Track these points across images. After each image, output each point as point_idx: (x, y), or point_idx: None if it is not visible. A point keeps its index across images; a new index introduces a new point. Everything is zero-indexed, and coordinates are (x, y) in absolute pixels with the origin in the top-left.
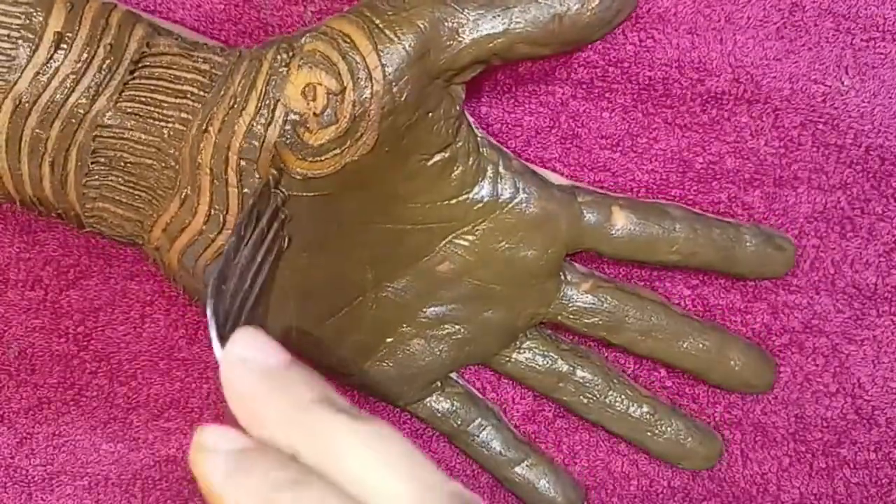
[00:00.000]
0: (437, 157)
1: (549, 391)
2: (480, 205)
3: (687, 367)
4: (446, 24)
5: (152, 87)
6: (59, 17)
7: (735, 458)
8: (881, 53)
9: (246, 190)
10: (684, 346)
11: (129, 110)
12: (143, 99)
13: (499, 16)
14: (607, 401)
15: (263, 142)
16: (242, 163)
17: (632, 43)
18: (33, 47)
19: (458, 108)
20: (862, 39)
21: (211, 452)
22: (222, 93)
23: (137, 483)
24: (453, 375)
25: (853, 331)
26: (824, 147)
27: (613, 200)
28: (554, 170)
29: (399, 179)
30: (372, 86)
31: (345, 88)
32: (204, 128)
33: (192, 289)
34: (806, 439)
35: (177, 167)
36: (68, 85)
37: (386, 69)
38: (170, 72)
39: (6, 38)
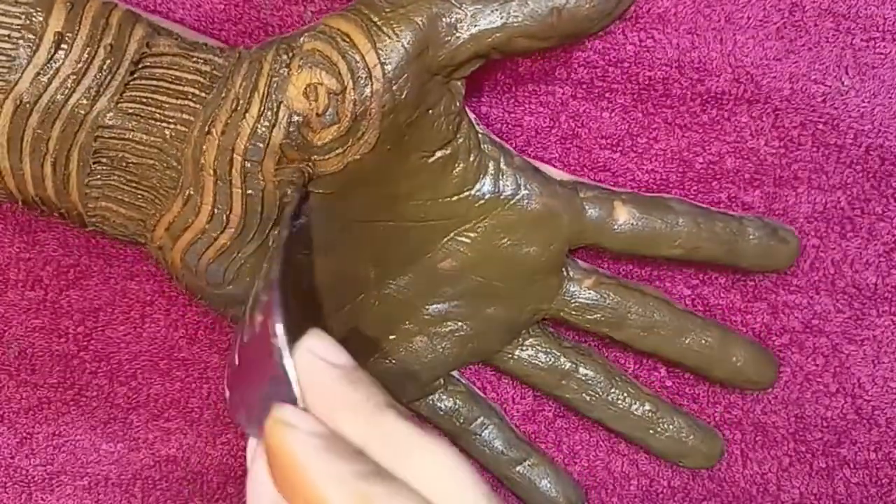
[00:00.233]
0: (439, 154)
1: (551, 389)
2: (482, 201)
3: (689, 364)
4: (444, 19)
5: (153, 88)
6: (60, 17)
7: (735, 458)
8: (881, 53)
9: (250, 191)
10: (686, 342)
11: (130, 111)
12: (144, 100)
13: (497, 10)
14: (609, 398)
15: (268, 143)
16: (247, 164)
17: (632, 43)
18: (34, 47)
19: (458, 104)
20: (862, 39)
21: (296, 429)
22: (223, 94)
23: (137, 483)
24: (455, 374)
25: (853, 331)
26: (824, 147)
27: (616, 195)
28: (555, 169)
29: (401, 177)
30: (372, 84)
31: (345, 88)
32: (207, 129)
33: (195, 287)
34: (806, 439)
35: (179, 167)
36: (69, 85)
37: (385, 67)
38: (170, 72)
39: (6, 39)
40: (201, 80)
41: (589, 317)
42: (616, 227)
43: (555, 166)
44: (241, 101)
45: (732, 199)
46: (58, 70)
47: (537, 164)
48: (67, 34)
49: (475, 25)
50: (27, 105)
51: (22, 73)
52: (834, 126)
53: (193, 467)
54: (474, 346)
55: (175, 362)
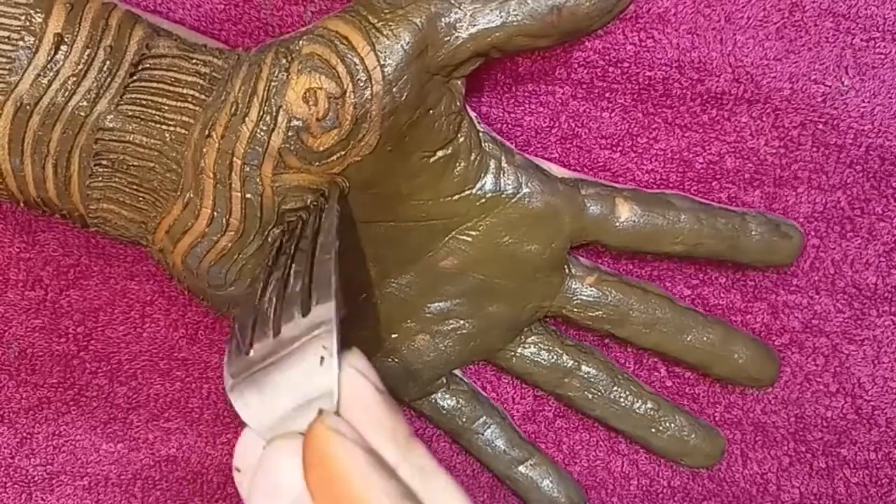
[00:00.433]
0: (440, 154)
1: (553, 387)
2: (483, 200)
3: (691, 361)
4: (443, 19)
5: (152, 90)
6: (59, 18)
7: (735, 458)
8: (881, 53)
9: (249, 195)
10: (688, 339)
11: (129, 113)
12: (144, 102)
13: (496, 9)
14: (611, 396)
15: (267, 148)
16: (246, 168)
17: (632, 43)
18: (33, 49)
19: (458, 103)
20: (862, 39)
21: (345, 439)
22: (223, 98)
23: (137, 483)
24: (458, 373)
25: (853, 331)
26: (824, 147)
27: (618, 192)
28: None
29: (402, 178)
30: (372, 87)
31: (345, 91)
32: (207, 133)
33: (197, 288)
34: (806, 439)
35: (179, 170)
36: (69, 87)
37: (385, 69)
38: (169, 74)
39: (6, 40)
40: (201, 82)
41: (590, 314)
42: (618, 223)
43: None
44: (240, 105)
45: (732, 199)
46: (58, 72)
47: (539, 161)
48: (67, 35)
49: (474, 25)
50: (28, 107)
51: (22, 75)
52: (834, 126)
53: (193, 467)
54: (476, 344)
55: (175, 362)
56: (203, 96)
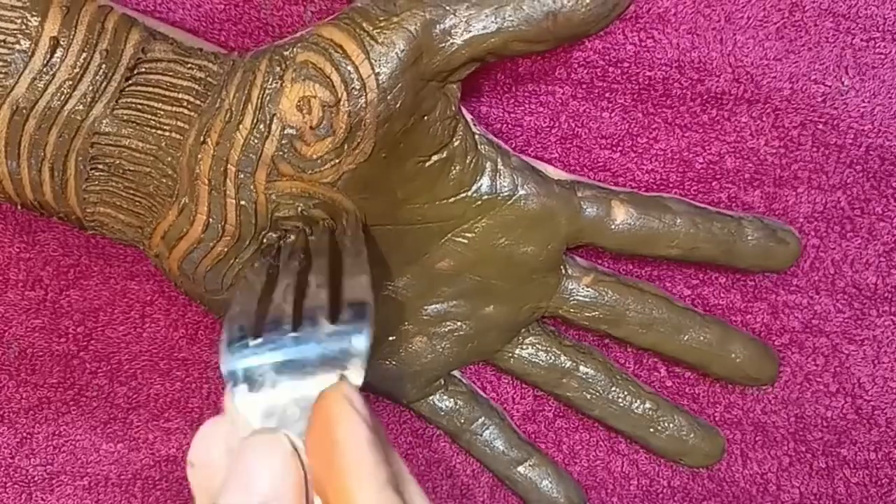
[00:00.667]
0: (435, 159)
1: (551, 387)
2: (479, 202)
3: (688, 360)
4: (438, 26)
5: (148, 95)
6: (55, 22)
7: (735, 457)
8: (881, 53)
9: (243, 202)
10: (685, 339)
11: (125, 118)
12: (139, 106)
13: (491, 15)
14: (610, 396)
15: (260, 156)
16: (240, 175)
17: (632, 43)
18: (29, 52)
19: (453, 108)
20: (862, 39)
21: (357, 413)
22: (218, 105)
23: (137, 483)
24: (457, 374)
25: (853, 331)
26: (824, 147)
27: (614, 195)
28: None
29: (396, 183)
30: (366, 95)
31: (339, 100)
32: (202, 139)
33: (194, 293)
34: (806, 439)
35: (174, 175)
36: (65, 91)
37: (379, 77)
38: (165, 79)
39: (2, 43)
40: (196, 87)
41: (587, 314)
42: (614, 226)
43: (555, 166)
44: (234, 113)
45: (732, 199)
46: (54, 75)
47: (535, 163)
48: (63, 39)
49: (469, 31)
50: (24, 110)
51: (18, 78)
52: (834, 126)
53: None
54: (474, 345)
55: (175, 362)
56: (198, 102)
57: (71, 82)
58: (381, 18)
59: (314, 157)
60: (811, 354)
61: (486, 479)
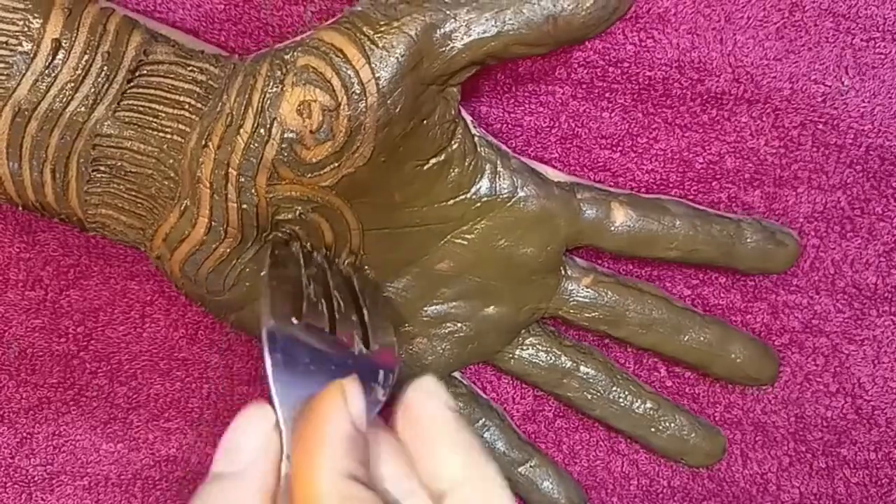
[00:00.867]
0: (433, 161)
1: (552, 387)
2: (479, 204)
3: (688, 361)
4: (438, 30)
5: (149, 97)
6: (57, 24)
7: (735, 457)
8: (881, 53)
9: (245, 205)
10: (685, 339)
11: (127, 120)
12: (141, 109)
13: (491, 18)
14: (611, 396)
15: (261, 159)
16: (242, 179)
17: (632, 43)
18: (31, 54)
19: (453, 111)
20: (862, 39)
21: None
22: (219, 108)
23: (137, 483)
24: (457, 375)
25: (853, 331)
26: (824, 147)
27: (613, 196)
28: (553, 170)
29: (395, 186)
30: (366, 99)
31: (339, 104)
32: (203, 143)
33: (195, 295)
34: (806, 439)
35: (176, 178)
36: (67, 93)
37: (379, 82)
38: (166, 81)
39: (4, 45)
40: (197, 90)
41: (587, 315)
42: (613, 228)
43: (555, 166)
44: (235, 116)
45: (732, 200)
46: (56, 77)
47: (535, 164)
48: (65, 41)
49: (470, 34)
50: (26, 112)
51: (20, 80)
52: (834, 126)
53: (193, 467)
54: (474, 346)
55: (175, 362)
56: (199, 104)
57: (73, 84)
58: (382, 23)
59: (314, 160)
60: (811, 354)
61: None
